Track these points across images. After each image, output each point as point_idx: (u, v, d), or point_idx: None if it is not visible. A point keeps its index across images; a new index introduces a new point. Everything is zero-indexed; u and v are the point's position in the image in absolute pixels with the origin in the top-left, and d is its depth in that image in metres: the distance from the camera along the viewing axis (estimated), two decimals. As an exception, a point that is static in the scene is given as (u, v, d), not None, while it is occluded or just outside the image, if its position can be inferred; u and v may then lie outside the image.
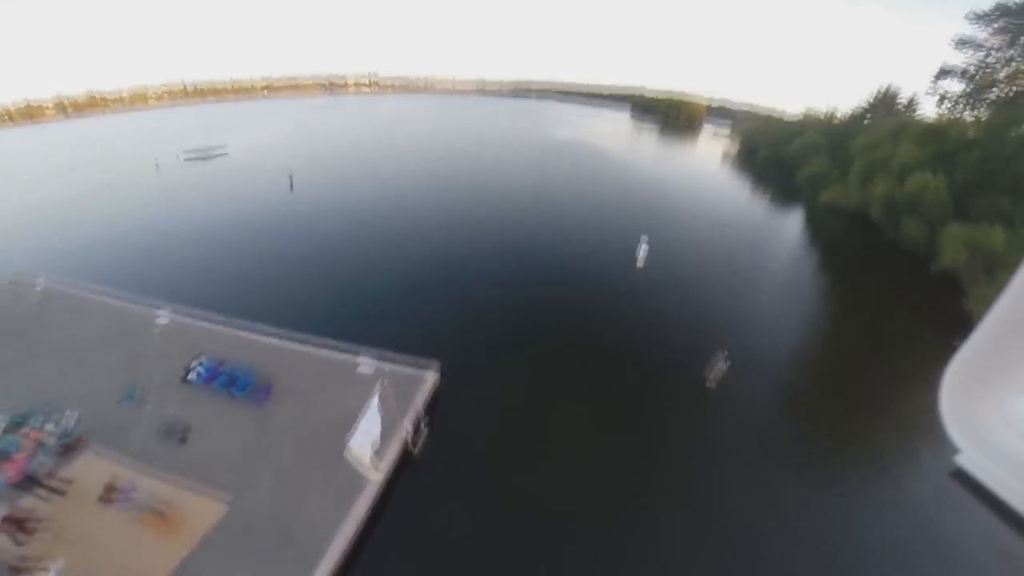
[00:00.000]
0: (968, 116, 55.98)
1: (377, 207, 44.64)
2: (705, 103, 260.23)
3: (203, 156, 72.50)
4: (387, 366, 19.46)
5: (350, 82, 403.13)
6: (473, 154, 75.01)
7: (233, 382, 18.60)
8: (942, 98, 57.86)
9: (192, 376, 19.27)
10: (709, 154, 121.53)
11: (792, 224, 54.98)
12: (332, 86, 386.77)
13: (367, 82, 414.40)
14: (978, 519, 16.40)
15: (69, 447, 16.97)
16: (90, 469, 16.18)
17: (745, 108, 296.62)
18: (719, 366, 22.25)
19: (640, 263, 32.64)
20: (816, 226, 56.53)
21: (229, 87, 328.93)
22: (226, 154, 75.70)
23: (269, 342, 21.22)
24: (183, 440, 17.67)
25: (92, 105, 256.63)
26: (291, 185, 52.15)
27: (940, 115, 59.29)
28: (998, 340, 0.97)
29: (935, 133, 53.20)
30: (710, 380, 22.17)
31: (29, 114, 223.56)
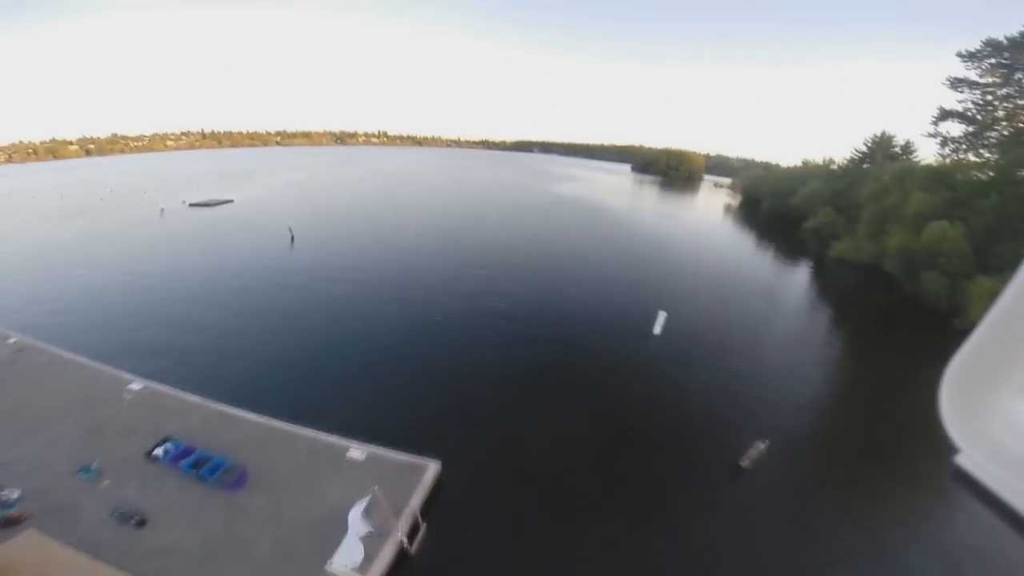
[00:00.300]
0: (972, 157, 55.36)
1: (378, 265, 42.40)
2: (702, 156, 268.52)
3: (208, 203, 72.80)
4: (381, 451, 16.95)
5: (360, 135, 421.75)
6: (477, 211, 74.61)
7: (202, 464, 16.16)
8: (944, 140, 57.43)
9: (158, 452, 16.90)
10: (712, 208, 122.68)
11: (803, 279, 53.40)
12: (343, 136, 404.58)
13: (376, 134, 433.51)
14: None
15: (9, 521, 14.59)
16: (29, 551, 13.61)
17: (741, 160, 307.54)
18: (757, 445, 19.74)
19: (657, 330, 30.52)
20: (827, 281, 54.94)
21: (245, 135, 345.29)
22: (232, 201, 76.16)
23: (249, 420, 18.68)
24: (140, 526, 15.19)
25: (113, 145, 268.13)
26: (292, 239, 50.81)
27: (944, 157, 58.81)
28: (998, 340, 0.94)
29: (940, 176, 52.80)
30: (745, 459, 19.64)
31: (53, 150, 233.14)
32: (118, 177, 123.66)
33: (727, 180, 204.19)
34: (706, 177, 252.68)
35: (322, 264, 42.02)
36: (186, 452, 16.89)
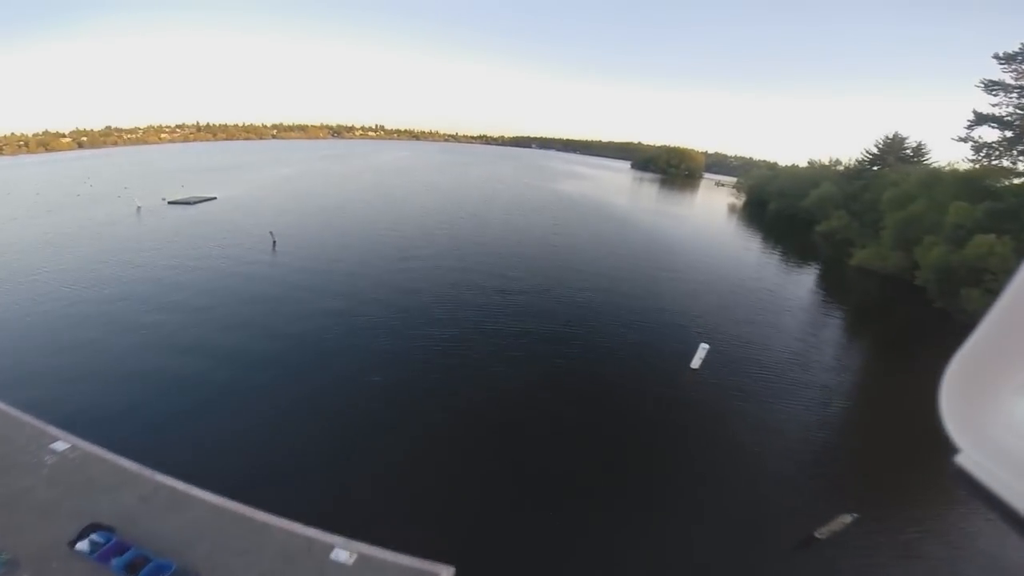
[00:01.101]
0: (1007, 163, 52.24)
1: (370, 284, 36.64)
2: (702, 154, 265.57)
3: (188, 201, 68.24)
4: (375, 552, 12.87)
5: (357, 128, 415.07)
6: (479, 217, 68.61)
7: (140, 567, 12.25)
8: (979, 146, 54.11)
9: (82, 546, 13.00)
10: (719, 209, 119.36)
11: (827, 291, 49.72)
12: (340, 130, 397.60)
13: (373, 128, 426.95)
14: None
15: None
16: None
17: (739, 158, 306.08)
18: (842, 518, 16.13)
19: (696, 364, 25.83)
20: (851, 291, 51.56)
21: (240, 127, 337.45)
22: (214, 198, 71.54)
23: (203, 501, 14.53)
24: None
25: (106, 137, 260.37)
26: (273, 245, 45.71)
27: (974, 163, 55.68)
28: (998, 340, 1.01)
29: (970, 183, 49.83)
30: (823, 531, 16.09)
31: (44, 143, 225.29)
32: (104, 171, 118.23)
33: (728, 179, 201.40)
34: (706, 175, 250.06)
35: (305, 282, 36.22)
36: (118, 548, 12.98)
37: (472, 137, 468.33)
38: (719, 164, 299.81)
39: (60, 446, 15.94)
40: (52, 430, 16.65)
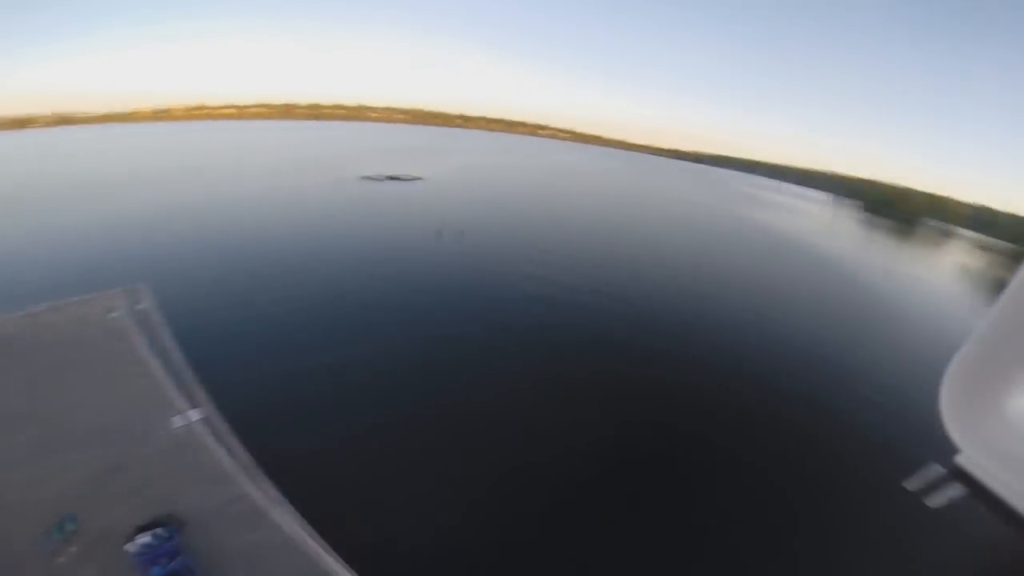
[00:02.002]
0: None
1: (576, 292, 32.12)
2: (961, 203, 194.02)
3: (401, 178, 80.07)
4: None
5: (549, 127, 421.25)
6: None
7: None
8: None
9: (132, 548, 11.13)
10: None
11: None
12: (535, 128, 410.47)
13: (564, 130, 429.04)
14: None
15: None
16: None
17: (974, 207, 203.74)
18: None
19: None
20: None
21: (450, 115, 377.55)
22: (421, 179, 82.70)
23: (278, 526, 10.97)
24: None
25: (335, 111, 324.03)
26: (457, 237, 45.41)
27: None
28: (998, 340, 1.04)
29: None
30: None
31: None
32: (323, 143, 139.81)
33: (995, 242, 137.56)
34: (961, 232, 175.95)
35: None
36: (170, 553, 10.79)
37: (664, 150, 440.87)
38: (981, 220, 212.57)
39: (194, 416, 14.41)
40: (170, 395, 14.66)
